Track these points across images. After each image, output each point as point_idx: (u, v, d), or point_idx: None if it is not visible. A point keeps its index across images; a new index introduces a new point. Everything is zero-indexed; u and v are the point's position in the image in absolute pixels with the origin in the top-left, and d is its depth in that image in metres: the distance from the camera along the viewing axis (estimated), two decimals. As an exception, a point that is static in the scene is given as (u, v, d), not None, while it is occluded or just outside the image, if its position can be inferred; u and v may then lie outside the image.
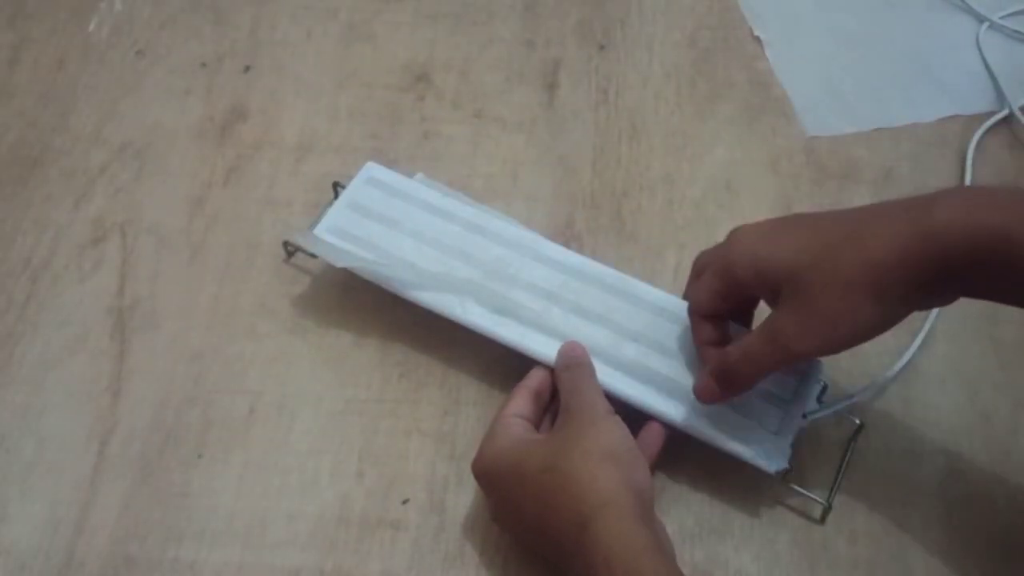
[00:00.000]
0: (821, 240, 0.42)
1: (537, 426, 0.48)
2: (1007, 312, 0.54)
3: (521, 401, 0.47)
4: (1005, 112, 0.64)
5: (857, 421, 0.50)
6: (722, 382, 0.45)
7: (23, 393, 0.52)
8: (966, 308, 0.55)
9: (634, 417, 0.47)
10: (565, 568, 0.42)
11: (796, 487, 0.48)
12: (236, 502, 0.49)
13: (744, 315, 0.49)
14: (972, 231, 0.38)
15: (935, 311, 0.54)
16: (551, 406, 0.49)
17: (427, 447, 0.51)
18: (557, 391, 0.48)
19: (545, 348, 0.49)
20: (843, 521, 0.48)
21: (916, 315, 0.54)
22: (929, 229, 0.38)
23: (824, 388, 0.50)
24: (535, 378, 0.49)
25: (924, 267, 0.39)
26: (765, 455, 0.46)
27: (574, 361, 0.48)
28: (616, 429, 0.44)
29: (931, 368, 0.53)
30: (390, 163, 0.58)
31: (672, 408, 0.47)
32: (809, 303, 0.41)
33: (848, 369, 0.52)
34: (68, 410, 0.52)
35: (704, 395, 0.46)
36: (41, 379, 0.53)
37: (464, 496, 0.49)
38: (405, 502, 0.49)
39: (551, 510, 0.42)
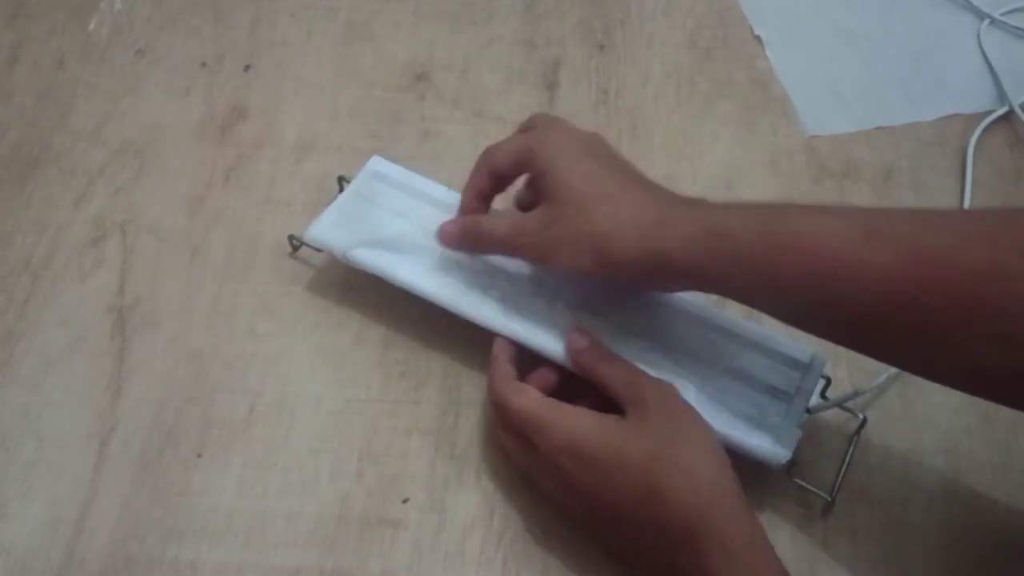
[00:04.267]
0: (597, 193, 0.45)
1: None
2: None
3: (515, 377, 0.48)
4: (1005, 109, 0.64)
5: (860, 416, 0.50)
6: (465, 236, 0.50)
7: (23, 393, 0.52)
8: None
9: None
10: (660, 560, 0.42)
11: (800, 481, 0.48)
12: (236, 501, 0.49)
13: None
14: (687, 240, 0.43)
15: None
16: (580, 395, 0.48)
17: (427, 446, 0.51)
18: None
19: (552, 343, 0.49)
20: (843, 519, 0.48)
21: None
22: (658, 242, 0.43)
23: (827, 383, 0.50)
24: (504, 348, 0.49)
25: (641, 257, 0.44)
26: (769, 448, 0.46)
27: (606, 351, 0.48)
28: (698, 419, 0.45)
29: (931, 367, 0.53)
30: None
31: None
32: (553, 225, 0.46)
33: (851, 366, 0.52)
34: (68, 409, 0.52)
35: (444, 237, 0.50)
36: (41, 378, 0.53)
37: (464, 495, 0.49)
38: (405, 501, 0.49)
39: (664, 498, 0.41)
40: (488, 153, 0.50)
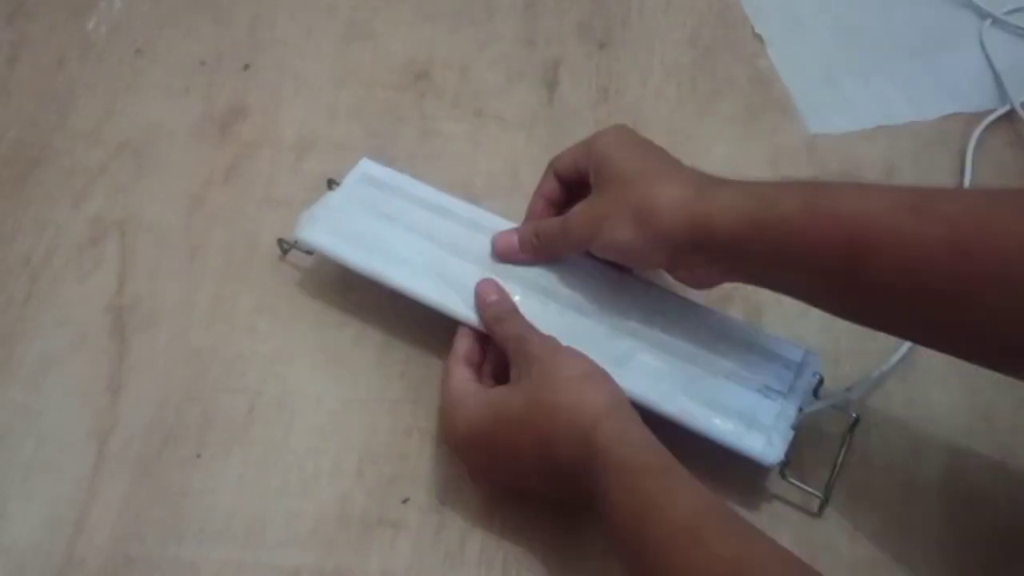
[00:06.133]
0: (641, 168, 0.47)
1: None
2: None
3: (461, 370, 0.48)
4: (1007, 108, 0.64)
5: (854, 414, 0.50)
6: (523, 245, 0.52)
7: (23, 392, 0.52)
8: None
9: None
10: (576, 495, 0.43)
11: (793, 480, 0.48)
12: (236, 501, 0.49)
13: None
14: (730, 209, 0.44)
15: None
16: (486, 365, 0.50)
17: (427, 446, 0.51)
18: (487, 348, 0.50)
19: None
20: (843, 520, 0.48)
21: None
22: (701, 206, 0.44)
23: (820, 382, 0.50)
24: (464, 343, 0.50)
25: (682, 226, 0.44)
26: (762, 448, 0.46)
27: (503, 311, 0.49)
28: (580, 354, 0.46)
29: (931, 367, 0.53)
30: (390, 161, 0.58)
31: (667, 399, 0.47)
32: (598, 202, 0.48)
33: (845, 364, 0.52)
34: (67, 409, 0.52)
35: (500, 247, 0.52)
36: (41, 378, 0.53)
37: (464, 495, 0.49)
38: (405, 501, 0.49)
39: (549, 439, 0.43)
40: (553, 159, 0.53)
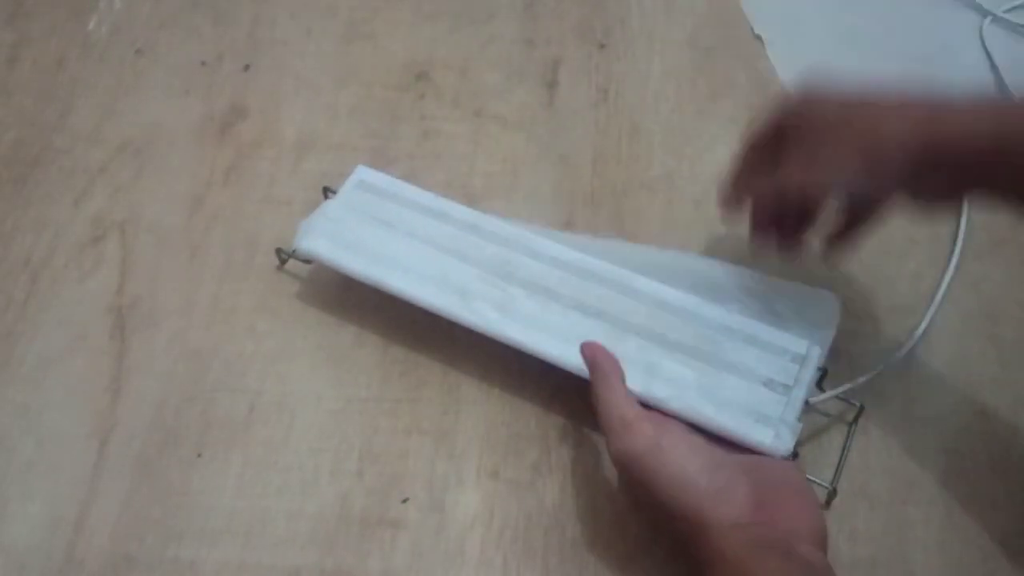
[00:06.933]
0: (861, 97, 0.45)
1: None
2: (1008, 311, 0.54)
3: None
4: (1007, 105, 0.64)
5: (858, 404, 0.50)
6: (737, 186, 0.49)
7: (23, 392, 0.52)
8: (967, 307, 0.55)
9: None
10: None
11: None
12: (236, 501, 0.49)
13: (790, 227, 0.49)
14: (972, 135, 0.42)
15: (934, 308, 0.54)
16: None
17: (427, 446, 0.51)
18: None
19: (545, 345, 0.49)
20: (843, 520, 0.48)
21: (915, 307, 0.54)
22: (939, 122, 0.42)
23: (823, 374, 0.50)
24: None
25: (915, 155, 0.42)
26: (771, 441, 0.46)
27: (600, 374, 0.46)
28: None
29: (932, 367, 0.53)
30: (390, 161, 0.58)
31: (674, 396, 0.48)
32: (816, 135, 0.45)
33: (848, 358, 0.52)
34: (68, 409, 0.52)
35: (723, 205, 0.50)
36: (41, 378, 0.53)
37: (464, 495, 0.49)
38: (405, 501, 0.49)
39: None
40: (745, 137, 0.49)
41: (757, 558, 0.39)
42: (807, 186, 0.45)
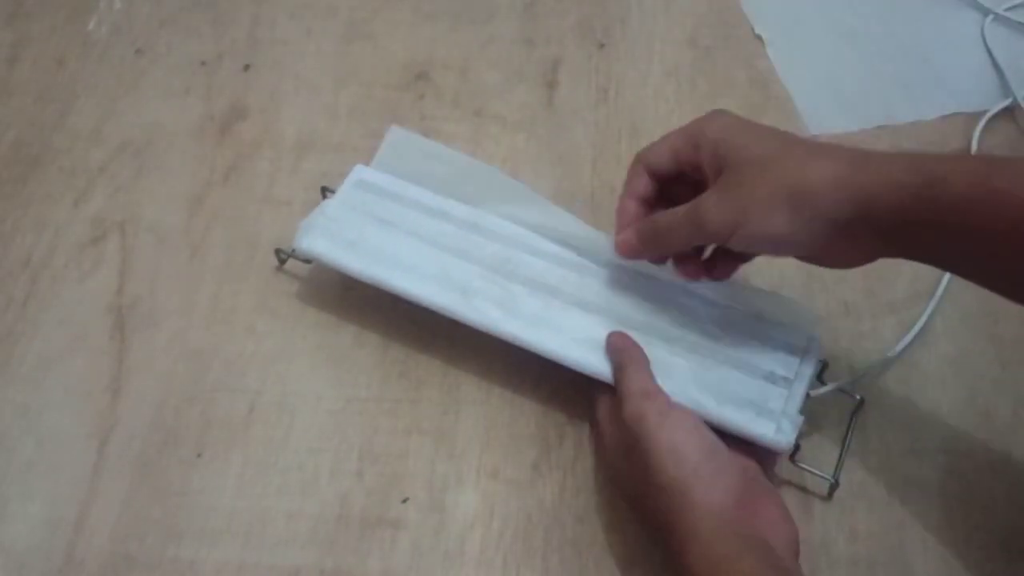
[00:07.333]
0: (778, 148, 0.44)
1: None
2: (1008, 310, 0.54)
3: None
4: (1009, 101, 0.64)
5: (858, 396, 0.50)
6: (644, 241, 0.48)
7: (23, 392, 0.52)
8: (966, 306, 0.55)
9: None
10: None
11: (804, 465, 0.48)
12: (235, 501, 0.49)
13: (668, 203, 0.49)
14: (895, 185, 0.41)
15: (933, 305, 0.54)
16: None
17: (427, 446, 0.51)
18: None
19: (547, 343, 0.49)
20: (843, 519, 0.48)
21: (914, 305, 0.54)
22: (861, 181, 0.41)
23: (824, 367, 0.50)
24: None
25: (842, 205, 0.41)
26: (774, 435, 0.46)
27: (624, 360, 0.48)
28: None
29: (932, 366, 0.53)
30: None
31: (677, 391, 0.47)
32: (735, 190, 0.43)
33: (848, 352, 0.52)
34: (68, 409, 0.52)
35: (624, 249, 0.49)
36: (41, 378, 0.53)
37: (464, 495, 0.49)
38: (405, 501, 0.49)
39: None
40: (639, 157, 0.49)
41: (735, 546, 0.40)
42: (723, 234, 0.44)
